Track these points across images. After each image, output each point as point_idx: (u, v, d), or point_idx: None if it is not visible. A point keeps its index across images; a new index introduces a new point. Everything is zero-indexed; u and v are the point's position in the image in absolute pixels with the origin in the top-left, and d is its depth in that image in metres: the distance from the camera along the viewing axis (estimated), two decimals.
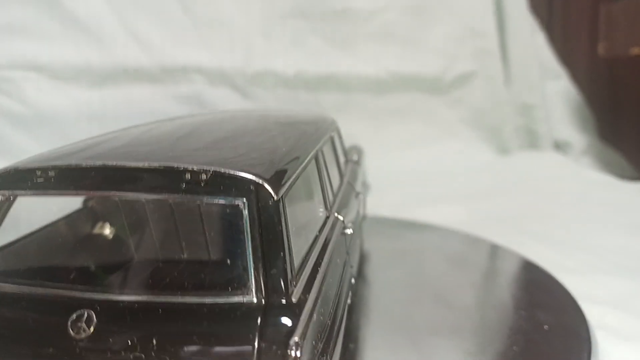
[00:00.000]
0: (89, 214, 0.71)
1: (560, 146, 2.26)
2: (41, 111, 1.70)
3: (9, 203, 0.59)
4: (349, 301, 0.71)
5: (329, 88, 2.02)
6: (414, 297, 0.89)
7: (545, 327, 0.80)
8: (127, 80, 1.79)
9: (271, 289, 0.50)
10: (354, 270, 0.82)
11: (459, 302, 0.88)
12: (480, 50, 2.20)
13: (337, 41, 2.01)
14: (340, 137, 1.00)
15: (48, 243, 0.69)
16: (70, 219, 0.73)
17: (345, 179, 0.92)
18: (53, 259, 0.68)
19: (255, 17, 1.92)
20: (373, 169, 1.34)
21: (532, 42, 2.26)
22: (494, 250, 1.17)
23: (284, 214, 0.53)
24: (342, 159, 0.97)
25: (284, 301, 0.50)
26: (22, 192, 0.58)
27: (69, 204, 0.76)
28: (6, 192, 0.58)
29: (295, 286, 0.51)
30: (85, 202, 0.77)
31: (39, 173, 0.56)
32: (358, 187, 0.98)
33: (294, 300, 0.50)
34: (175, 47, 1.83)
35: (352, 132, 1.32)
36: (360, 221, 0.97)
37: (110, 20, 1.77)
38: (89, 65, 1.75)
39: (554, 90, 2.33)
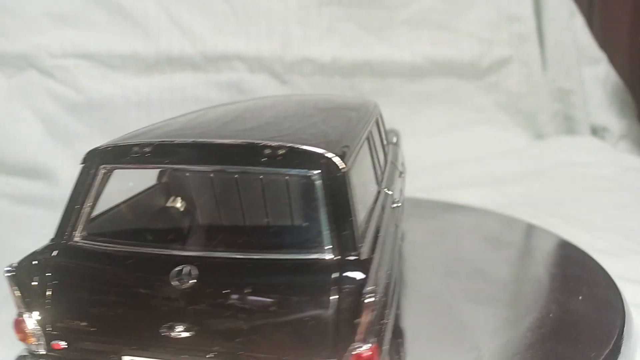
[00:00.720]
0: (174, 187, 0.79)
1: (597, 131, 2.24)
2: (92, 98, 1.80)
3: (109, 175, 0.68)
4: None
5: (364, 74, 2.05)
6: (451, 271, 0.94)
7: (580, 297, 0.85)
8: (171, 68, 1.88)
9: (344, 247, 0.58)
10: (400, 242, 0.89)
11: (495, 276, 0.92)
12: (517, 35, 2.19)
13: (372, 27, 2.04)
14: (382, 120, 1.06)
15: (144, 210, 0.79)
16: (159, 190, 0.83)
17: (389, 159, 0.98)
18: (152, 223, 0.78)
19: (292, 5, 1.96)
20: (408, 153, 1.38)
21: (570, 26, 2.23)
22: (530, 230, 1.20)
23: (350, 184, 0.61)
24: (385, 141, 1.02)
25: (354, 258, 0.58)
26: (121, 165, 0.67)
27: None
28: (107, 166, 0.67)
29: (362, 246, 0.59)
30: (161, 177, 0.85)
31: (136, 149, 0.65)
32: (400, 167, 1.04)
33: (362, 257, 0.58)
34: (216, 36, 1.90)
35: (387, 117, 1.35)
36: (403, 199, 1.03)
37: (155, 10, 1.85)
38: (135, 53, 1.84)
39: (592, 75, 2.30)
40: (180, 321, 0.56)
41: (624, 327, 0.77)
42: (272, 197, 0.74)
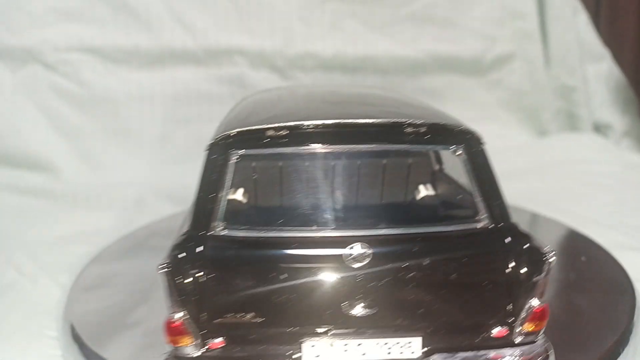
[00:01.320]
0: (301, 167, 0.76)
1: (600, 129, 2.23)
2: (95, 92, 1.82)
3: (240, 161, 0.66)
4: None
5: (367, 70, 2.05)
6: None
7: (583, 258, 0.99)
8: (173, 63, 1.89)
9: (501, 215, 0.63)
10: None
11: None
12: (520, 32, 2.19)
13: (375, 24, 2.04)
14: None
15: (276, 193, 0.77)
16: (282, 171, 0.79)
17: None
18: (294, 207, 0.74)
19: (295, 1, 1.97)
20: None
21: (573, 23, 2.23)
22: (534, 218, 1.25)
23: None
24: None
25: (510, 224, 0.63)
26: (254, 151, 0.65)
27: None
28: (239, 152, 0.64)
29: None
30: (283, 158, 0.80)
31: (271, 132, 0.63)
32: None
33: (514, 223, 0.63)
34: (218, 31, 1.90)
35: None
36: None
37: (157, 5, 1.86)
38: (138, 48, 1.85)
39: (595, 72, 2.29)
40: (360, 300, 0.57)
41: (634, 314, 0.78)
42: (417, 173, 0.77)
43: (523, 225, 1.11)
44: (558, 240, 1.13)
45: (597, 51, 2.32)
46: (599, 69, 2.30)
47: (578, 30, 2.25)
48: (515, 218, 1.08)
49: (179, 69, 1.90)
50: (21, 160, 1.70)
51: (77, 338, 0.79)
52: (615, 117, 2.24)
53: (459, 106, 2.18)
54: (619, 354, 0.71)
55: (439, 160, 0.86)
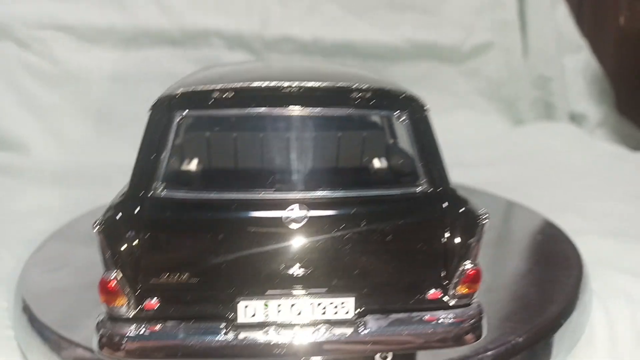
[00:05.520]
0: (248, 130, 0.76)
1: (576, 118, 2.25)
2: (68, 70, 1.79)
3: (184, 122, 0.65)
4: None
5: (345, 55, 2.04)
6: None
7: (539, 237, 1.04)
8: (148, 43, 1.86)
9: (440, 180, 0.62)
10: None
11: None
12: (499, 22, 2.19)
13: (354, 8, 2.03)
14: None
15: (220, 156, 0.76)
16: (227, 134, 0.78)
17: None
18: (236, 169, 0.76)
19: None
20: None
21: (552, 13, 2.23)
22: (510, 206, 1.28)
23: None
24: None
25: (449, 188, 0.62)
26: (199, 111, 0.64)
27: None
28: (183, 112, 0.63)
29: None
30: (227, 121, 0.80)
31: (216, 94, 0.62)
32: None
33: (452, 187, 0.63)
34: (195, 12, 1.88)
35: None
36: None
37: None
38: (112, 27, 1.82)
39: (573, 63, 2.30)
40: (296, 261, 0.57)
41: (579, 288, 0.81)
42: (361, 139, 0.76)
43: (492, 211, 1.16)
44: (521, 222, 1.15)
45: (575, 42, 2.33)
46: (577, 59, 2.31)
47: (557, 22, 2.26)
48: (479, 203, 1.10)
49: (154, 49, 1.87)
50: None
51: (26, 310, 0.78)
52: (590, 108, 2.26)
53: (437, 94, 2.18)
54: (560, 325, 0.73)
55: (393, 134, 0.86)
